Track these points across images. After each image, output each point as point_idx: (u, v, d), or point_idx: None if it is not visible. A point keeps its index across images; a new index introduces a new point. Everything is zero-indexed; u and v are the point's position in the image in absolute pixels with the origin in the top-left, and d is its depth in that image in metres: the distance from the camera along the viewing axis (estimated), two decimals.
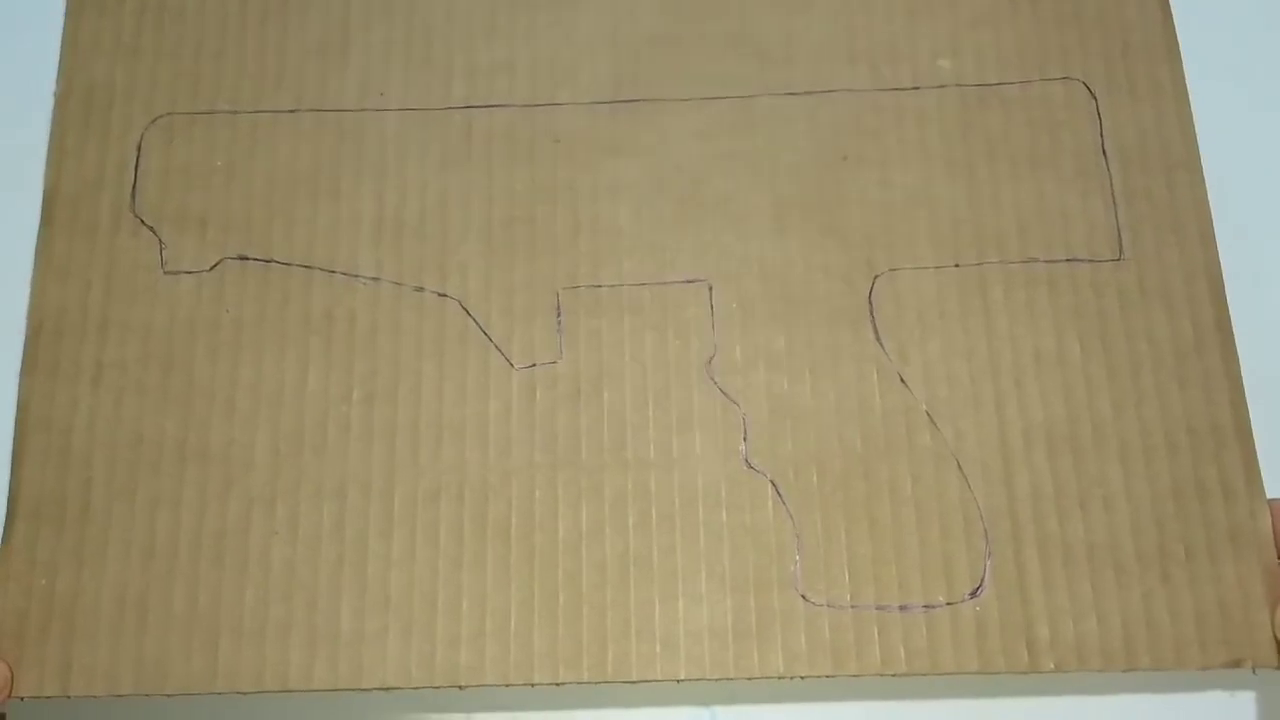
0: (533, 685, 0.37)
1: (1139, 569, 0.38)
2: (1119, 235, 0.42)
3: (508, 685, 0.37)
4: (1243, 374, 0.40)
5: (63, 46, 0.45)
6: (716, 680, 0.37)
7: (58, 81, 0.44)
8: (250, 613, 0.38)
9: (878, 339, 0.41)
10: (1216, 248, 0.41)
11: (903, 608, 0.38)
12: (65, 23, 0.45)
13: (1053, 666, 0.37)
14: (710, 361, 0.41)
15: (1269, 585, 0.38)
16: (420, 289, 0.41)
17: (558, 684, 0.37)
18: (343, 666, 0.38)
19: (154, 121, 0.44)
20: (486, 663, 0.37)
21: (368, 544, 0.39)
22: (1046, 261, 0.41)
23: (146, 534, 0.39)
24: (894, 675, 0.37)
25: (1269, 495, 0.39)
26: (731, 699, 0.42)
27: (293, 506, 0.39)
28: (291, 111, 0.44)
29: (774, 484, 0.39)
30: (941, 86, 0.44)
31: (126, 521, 0.39)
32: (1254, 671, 0.37)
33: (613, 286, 0.41)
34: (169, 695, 0.37)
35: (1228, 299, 0.41)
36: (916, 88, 0.44)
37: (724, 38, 0.44)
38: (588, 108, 0.44)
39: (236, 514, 0.39)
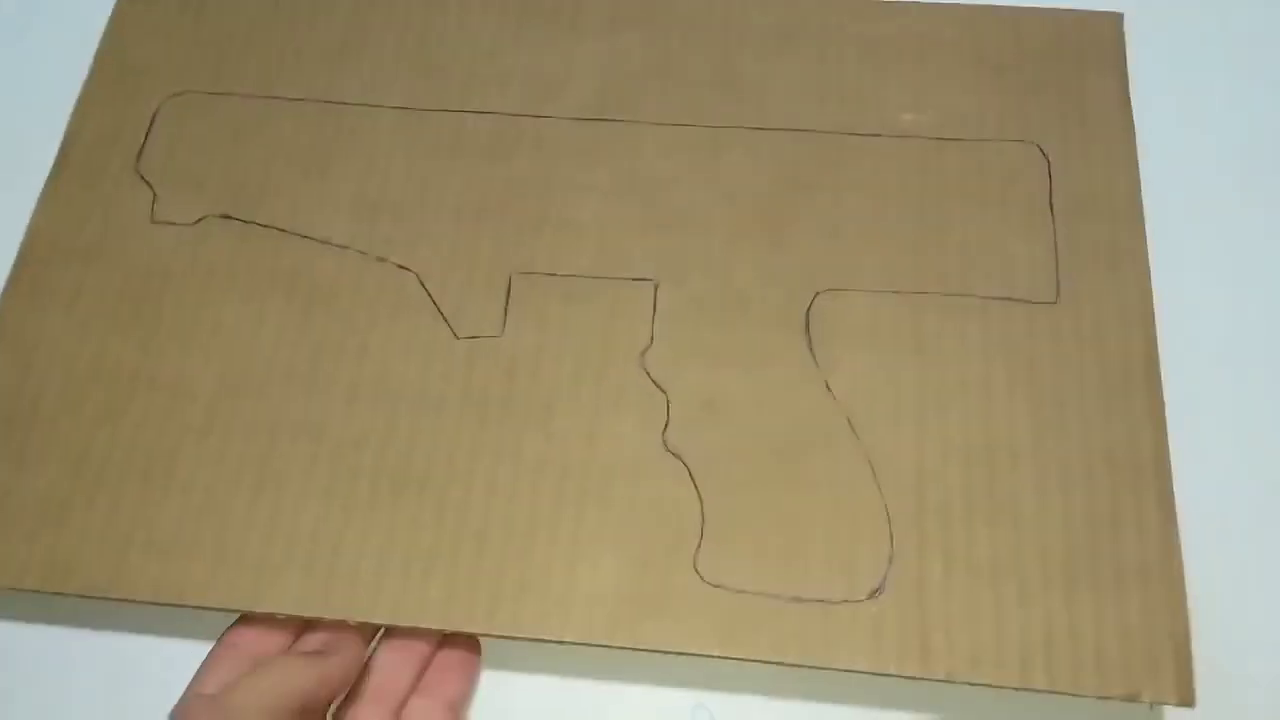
0: (418, 629, 0.38)
1: (1042, 588, 0.38)
2: (1056, 281, 0.43)
3: (393, 625, 0.38)
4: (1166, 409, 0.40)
5: (108, 25, 0.49)
6: (598, 646, 0.37)
7: (98, 49, 0.49)
8: (163, 529, 0.39)
9: (810, 349, 0.42)
10: (1152, 297, 0.42)
11: (796, 599, 0.38)
12: (116, 6, 0.50)
13: (944, 673, 0.37)
14: (644, 353, 0.42)
15: (1173, 620, 0.37)
16: (384, 260, 0.44)
17: (443, 632, 0.38)
18: (242, 589, 0.38)
19: (173, 96, 0.48)
20: (382, 601, 0.38)
21: (289, 479, 0.40)
22: (983, 297, 0.43)
23: (83, 446, 0.41)
24: (782, 665, 0.37)
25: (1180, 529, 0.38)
26: (723, 687, 0.41)
27: (225, 439, 0.41)
28: (298, 100, 0.47)
29: (687, 466, 0.40)
30: (903, 137, 0.46)
31: (69, 432, 0.41)
32: (1150, 708, 0.36)
33: (565, 276, 0.43)
34: (68, 594, 0.38)
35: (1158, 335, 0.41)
36: (879, 135, 0.46)
37: (703, 74, 0.47)
38: (569, 122, 0.47)
39: (171, 440, 0.41)
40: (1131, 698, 0.36)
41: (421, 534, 0.39)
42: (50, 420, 0.41)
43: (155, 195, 0.45)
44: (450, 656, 0.39)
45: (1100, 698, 0.36)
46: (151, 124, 0.47)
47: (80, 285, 0.44)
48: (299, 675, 0.35)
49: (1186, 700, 0.36)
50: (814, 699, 0.41)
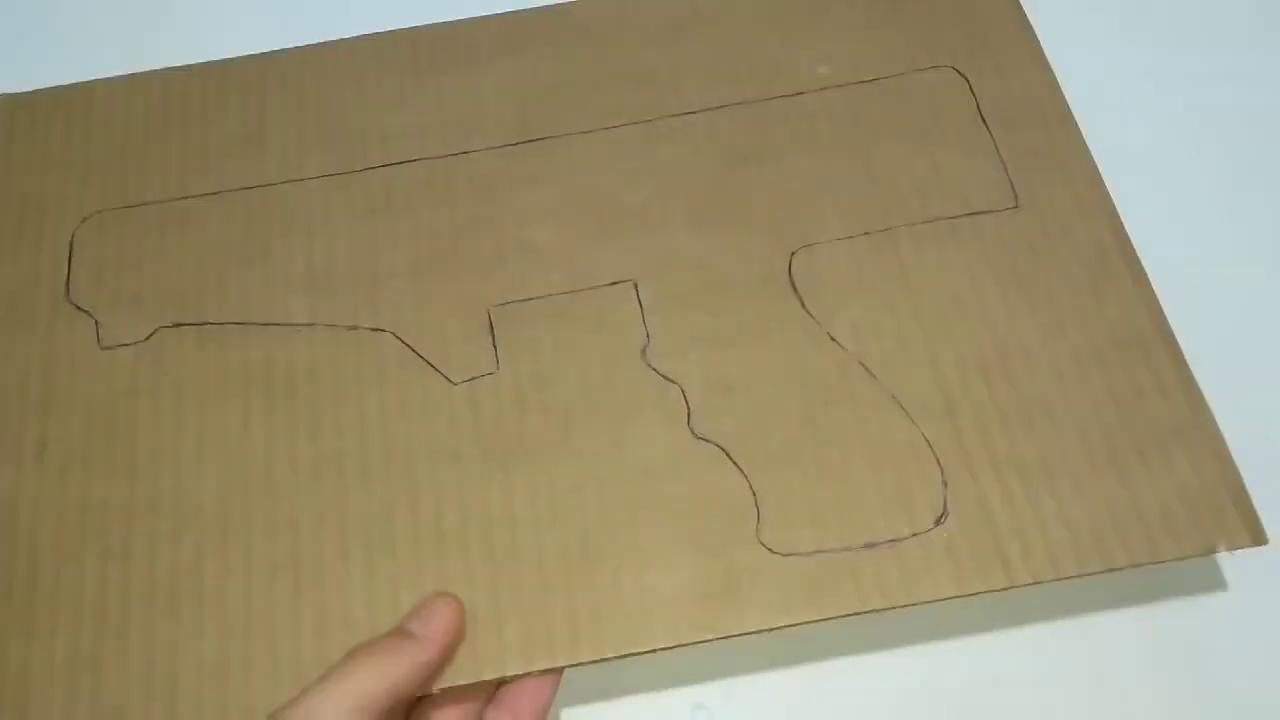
0: (507, 678, 0.36)
1: (1095, 474, 0.38)
2: (1012, 187, 0.44)
3: (480, 680, 0.36)
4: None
5: None
6: (696, 644, 0.36)
7: None
8: (209, 651, 0.37)
9: (803, 306, 0.42)
10: (1104, 183, 0.44)
11: (868, 545, 0.37)
12: None
13: (1030, 579, 0.37)
14: (644, 350, 0.41)
15: (1223, 471, 0.38)
16: (355, 328, 0.42)
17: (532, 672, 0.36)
18: None
19: (85, 220, 0.45)
20: (459, 661, 0.36)
21: (325, 569, 0.38)
22: (950, 219, 0.43)
23: (97, 593, 0.38)
24: (873, 611, 0.37)
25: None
26: (721, 676, 0.41)
27: (245, 545, 0.39)
28: (215, 194, 0.46)
29: (723, 448, 0.39)
30: (824, 89, 0.47)
31: (76, 584, 0.38)
32: (1230, 553, 0.37)
33: (542, 298, 0.43)
34: None
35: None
36: (801, 93, 0.47)
37: (616, 75, 0.47)
38: (498, 151, 0.46)
39: (189, 560, 0.38)
40: (1209, 551, 0.37)
41: (478, 586, 0.37)
42: (52, 578, 0.38)
43: (97, 321, 0.43)
44: None
45: (1180, 559, 0.37)
46: (71, 253, 0.45)
47: (41, 434, 0.41)
48: (382, 672, 0.34)
49: (1260, 538, 0.37)
50: (813, 697, 0.41)
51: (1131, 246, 0.42)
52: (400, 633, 0.36)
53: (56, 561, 0.39)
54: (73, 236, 0.45)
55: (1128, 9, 0.55)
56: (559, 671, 0.37)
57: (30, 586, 0.38)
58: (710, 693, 0.42)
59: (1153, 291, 0.41)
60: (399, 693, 0.34)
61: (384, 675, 0.34)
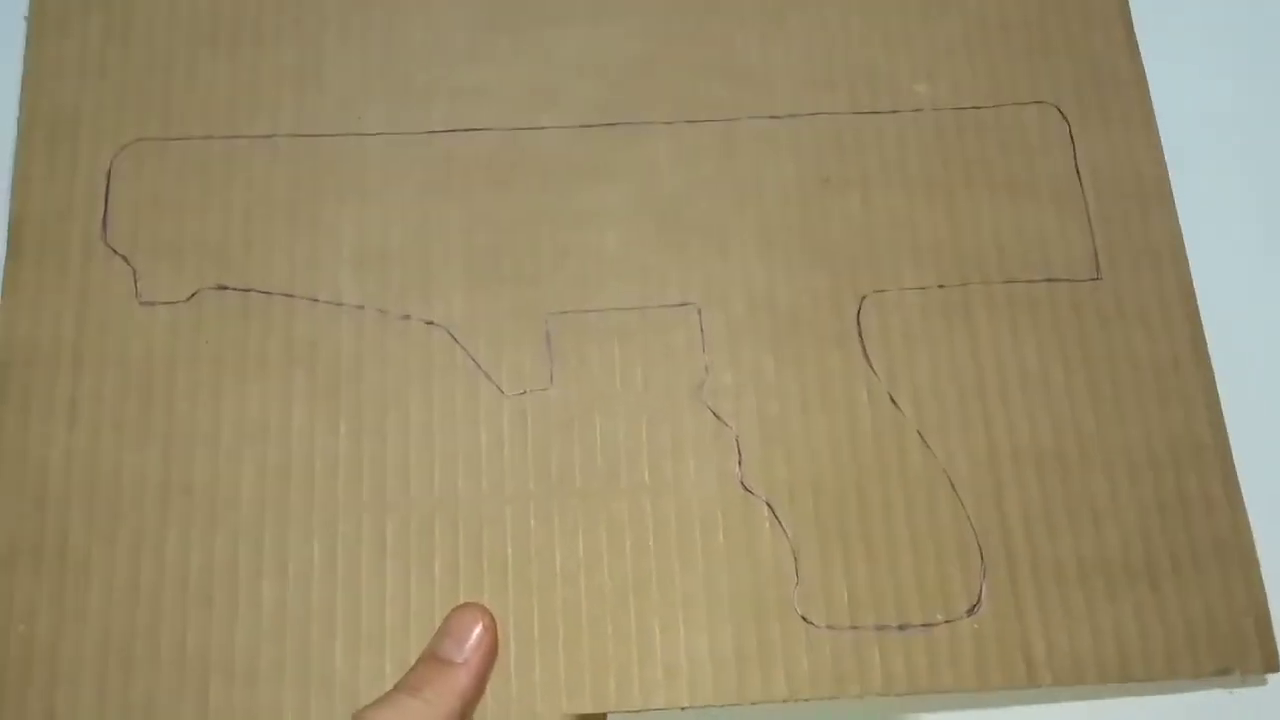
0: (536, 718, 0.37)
1: (1129, 581, 0.39)
2: (1095, 256, 0.43)
3: None
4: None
5: (25, 71, 0.43)
6: (721, 707, 0.37)
7: (20, 108, 0.43)
8: (241, 654, 0.37)
9: (867, 360, 0.41)
10: (1189, 269, 0.42)
11: (902, 627, 0.38)
12: (27, 47, 0.43)
13: (1050, 680, 0.38)
14: (702, 386, 0.41)
15: (1251, 595, 0.39)
16: (407, 317, 0.41)
17: (565, 716, 0.37)
18: (339, 707, 0.37)
19: (124, 148, 0.42)
20: (488, 696, 0.37)
21: (360, 580, 0.38)
22: (1026, 282, 0.42)
23: (129, 575, 0.38)
24: (895, 695, 0.38)
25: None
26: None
27: (281, 543, 0.38)
28: (268, 136, 0.43)
29: (770, 506, 0.39)
30: (918, 110, 0.44)
31: (108, 563, 0.38)
32: (1242, 679, 0.38)
33: (600, 311, 0.41)
34: None
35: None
36: (895, 111, 0.44)
37: (704, 61, 0.45)
38: (569, 131, 0.43)
39: (223, 552, 0.38)
40: (1223, 673, 0.38)
41: (511, 621, 0.38)
42: (84, 553, 0.38)
43: (135, 272, 0.41)
44: None
45: (1194, 679, 0.38)
46: (108, 185, 0.42)
47: (74, 393, 0.39)
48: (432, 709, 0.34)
49: (1273, 666, 0.38)
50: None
51: (1206, 350, 0.41)
52: (439, 660, 0.36)
53: (88, 536, 0.38)
54: (110, 166, 0.42)
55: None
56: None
57: (59, 560, 0.38)
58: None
59: (1219, 401, 0.41)
60: None
61: (432, 714, 0.34)
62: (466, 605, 0.37)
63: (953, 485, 0.40)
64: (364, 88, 0.44)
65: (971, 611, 0.38)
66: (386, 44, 0.44)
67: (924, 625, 0.38)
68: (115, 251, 0.41)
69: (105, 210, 0.42)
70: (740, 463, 0.40)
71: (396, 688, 0.36)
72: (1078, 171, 0.44)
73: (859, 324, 0.41)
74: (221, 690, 0.37)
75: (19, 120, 0.42)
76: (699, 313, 0.41)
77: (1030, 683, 0.38)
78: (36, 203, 0.41)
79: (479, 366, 0.40)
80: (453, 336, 0.41)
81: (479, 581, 0.38)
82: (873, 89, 0.45)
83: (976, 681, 0.38)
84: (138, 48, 0.44)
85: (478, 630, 0.37)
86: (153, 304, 0.40)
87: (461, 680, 0.36)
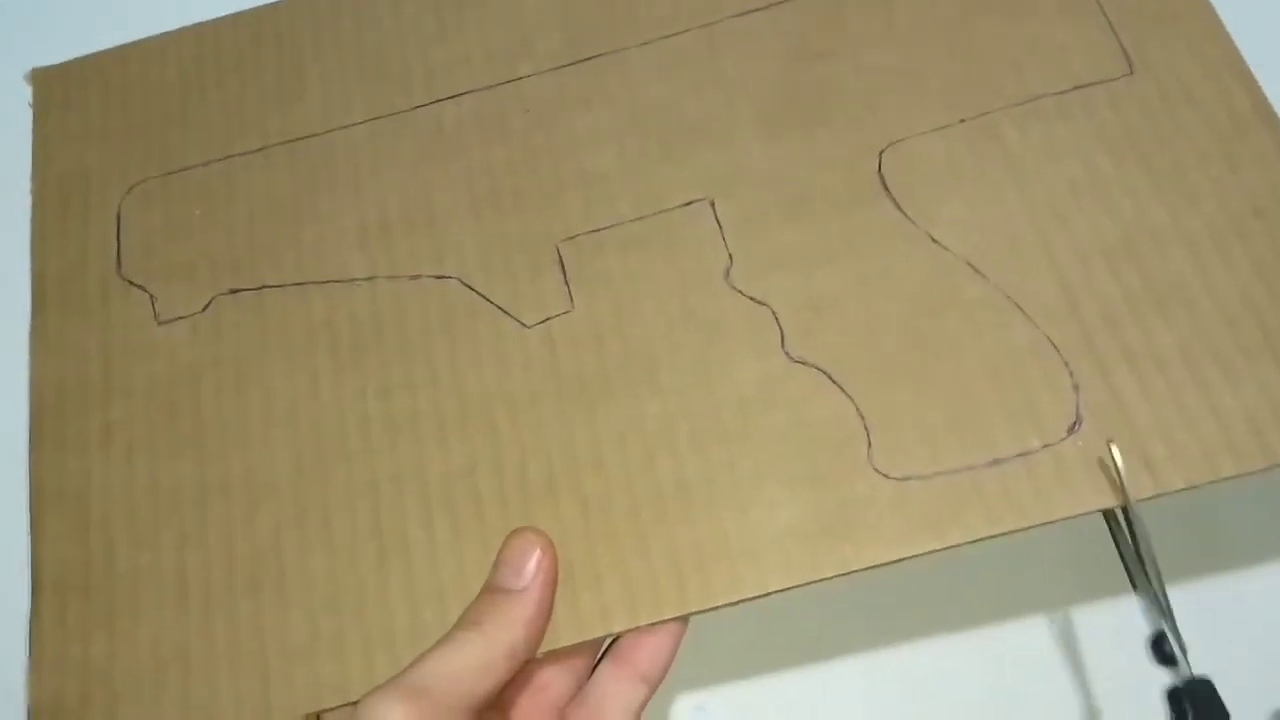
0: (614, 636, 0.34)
1: (1247, 360, 0.34)
2: (1123, 51, 0.39)
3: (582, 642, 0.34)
4: None
5: (34, 148, 0.45)
6: (815, 583, 0.33)
7: (33, 177, 0.44)
8: (297, 631, 0.35)
9: (899, 209, 0.38)
10: (1228, 32, 0.39)
11: (993, 462, 0.34)
12: (34, 122, 0.45)
13: (1184, 483, 0.33)
14: (727, 272, 0.38)
15: None
16: (417, 276, 0.40)
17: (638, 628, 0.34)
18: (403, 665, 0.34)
19: (129, 190, 0.43)
20: (560, 625, 0.34)
21: (409, 535, 0.36)
22: (1055, 95, 0.39)
23: (177, 578, 0.36)
24: (1005, 534, 0.33)
25: None
26: (722, 680, 0.39)
27: (324, 518, 0.36)
28: (260, 150, 0.43)
29: (824, 371, 0.36)
30: None
31: (154, 571, 0.36)
32: None
33: (612, 227, 0.39)
34: None
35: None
36: None
37: None
38: (548, 74, 0.43)
39: (266, 539, 0.36)
40: None
41: (571, 540, 0.35)
42: (130, 566, 0.36)
43: (152, 296, 0.41)
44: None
45: None
46: (119, 227, 0.42)
47: (105, 420, 0.39)
48: (492, 641, 0.32)
49: None
50: (814, 699, 0.40)
51: (1268, 103, 0.37)
52: (497, 590, 0.33)
53: (132, 551, 0.37)
54: (119, 209, 0.43)
55: None
56: (682, 622, 0.34)
57: (108, 579, 0.36)
58: (712, 695, 0.40)
59: None
60: (517, 658, 0.32)
61: (495, 645, 0.32)
62: (520, 530, 0.35)
63: (1019, 306, 0.36)
64: (343, 86, 0.44)
65: (1072, 430, 0.34)
66: (359, 42, 0.45)
67: (1020, 455, 0.34)
68: (131, 283, 0.41)
69: (118, 248, 0.42)
70: (783, 339, 0.37)
71: (456, 624, 0.33)
72: None
73: (882, 177, 0.39)
74: (282, 670, 0.34)
75: (32, 189, 0.44)
76: (712, 205, 0.39)
77: (1161, 487, 0.33)
78: (54, 257, 0.42)
79: (497, 306, 0.39)
80: (466, 285, 0.39)
81: (531, 516, 0.35)
82: None
83: (1097, 500, 0.33)
84: (133, 103, 0.45)
85: (535, 554, 0.34)
86: (171, 321, 0.40)
87: (524, 607, 0.33)
